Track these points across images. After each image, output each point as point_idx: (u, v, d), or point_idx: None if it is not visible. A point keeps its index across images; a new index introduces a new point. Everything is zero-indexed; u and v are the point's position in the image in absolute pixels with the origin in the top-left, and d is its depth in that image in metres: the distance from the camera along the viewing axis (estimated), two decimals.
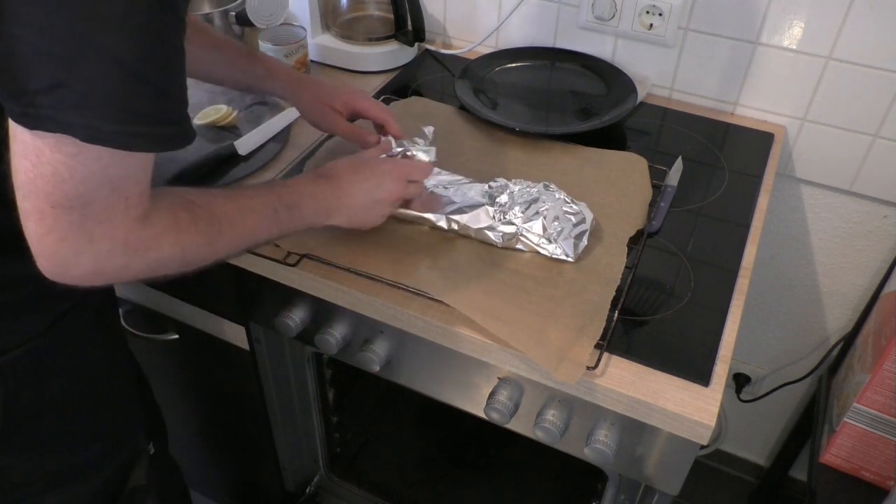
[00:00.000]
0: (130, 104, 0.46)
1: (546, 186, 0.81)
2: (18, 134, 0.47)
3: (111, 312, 0.75)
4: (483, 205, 0.79)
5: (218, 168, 0.92)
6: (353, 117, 0.87)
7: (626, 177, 0.91)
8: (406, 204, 0.79)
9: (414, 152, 0.82)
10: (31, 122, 0.45)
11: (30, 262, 0.58)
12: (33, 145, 0.46)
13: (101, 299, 0.70)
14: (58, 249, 0.50)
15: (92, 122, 0.45)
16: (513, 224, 0.78)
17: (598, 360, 0.68)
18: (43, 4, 0.41)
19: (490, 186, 0.82)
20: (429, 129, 0.84)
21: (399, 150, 0.82)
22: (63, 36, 0.42)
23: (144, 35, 0.44)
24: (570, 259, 0.76)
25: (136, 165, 0.50)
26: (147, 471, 0.77)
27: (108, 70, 0.44)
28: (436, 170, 0.83)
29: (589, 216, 0.79)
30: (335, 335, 0.83)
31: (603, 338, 0.69)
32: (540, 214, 0.78)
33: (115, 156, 0.48)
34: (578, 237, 0.77)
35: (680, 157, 0.95)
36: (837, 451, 1.01)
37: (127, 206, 0.51)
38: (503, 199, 0.80)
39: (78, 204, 0.48)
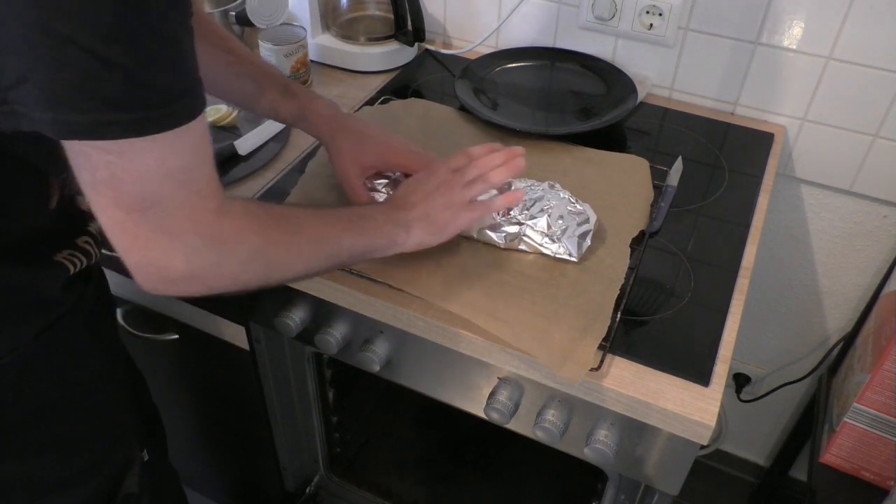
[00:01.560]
0: (99, 92, 0.43)
1: (551, 186, 0.81)
2: (66, 146, 0.46)
3: (105, 319, 0.74)
4: None
5: (218, 168, 0.92)
6: (385, 169, 0.83)
7: (627, 178, 0.90)
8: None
9: None
10: (8, 122, 0.44)
11: (14, 270, 0.58)
12: (79, 151, 0.45)
13: (92, 306, 0.68)
14: (146, 255, 0.50)
15: (61, 116, 0.43)
16: (516, 223, 0.78)
17: (602, 360, 0.68)
18: None
19: None
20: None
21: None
22: (21, 26, 0.40)
23: (107, 17, 0.41)
24: (573, 259, 0.76)
25: (193, 154, 0.49)
26: (140, 478, 0.76)
27: (70, 58, 0.41)
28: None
29: (593, 217, 0.79)
30: (335, 335, 0.83)
31: (606, 338, 0.69)
32: (545, 212, 0.78)
33: (163, 147, 0.46)
34: (582, 237, 0.77)
35: (680, 157, 0.95)
36: (837, 451, 1.01)
37: (200, 198, 0.50)
38: None
39: (149, 204, 0.47)
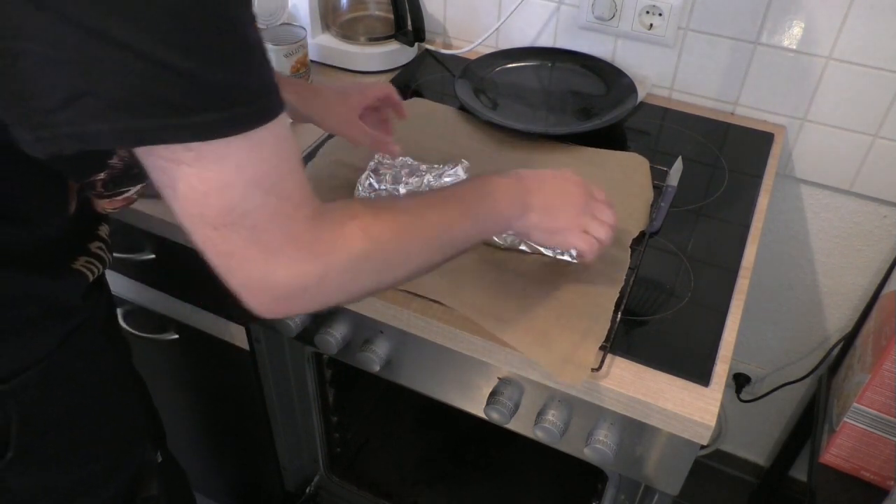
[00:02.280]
0: (164, 95, 0.40)
1: None
2: (145, 162, 0.43)
3: (114, 322, 0.74)
4: None
5: None
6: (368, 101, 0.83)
7: (627, 177, 0.90)
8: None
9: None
10: (45, 147, 0.41)
11: (39, 280, 0.57)
12: (155, 165, 0.43)
13: (105, 312, 0.69)
14: (247, 275, 0.47)
15: (127, 124, 0.40)
16: None
17: (602, 361, 0.68)
18: (53, 9, 0.37)
19: None
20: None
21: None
22: (77, 40, 0.38)
23: (166, 18, 0.39)
24: (573, 259, 0.76)
25: (275, 159, 0.45)
26: (158, 481, 0.77)
27: (132, 64, 0.39)
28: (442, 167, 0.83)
29: None
30: (335, 335, 0.83)
31: (606, 339, 0.69)
32: None
33: (239, 151, 0.43)
34: None
35: (680, 157, 0.95)
36: (837, 451, 1.01)
37: (292, 205, 0.47)
38: None
39: (237, 217, 0.44)
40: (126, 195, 0.66)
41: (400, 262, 0.54)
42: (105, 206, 0.66)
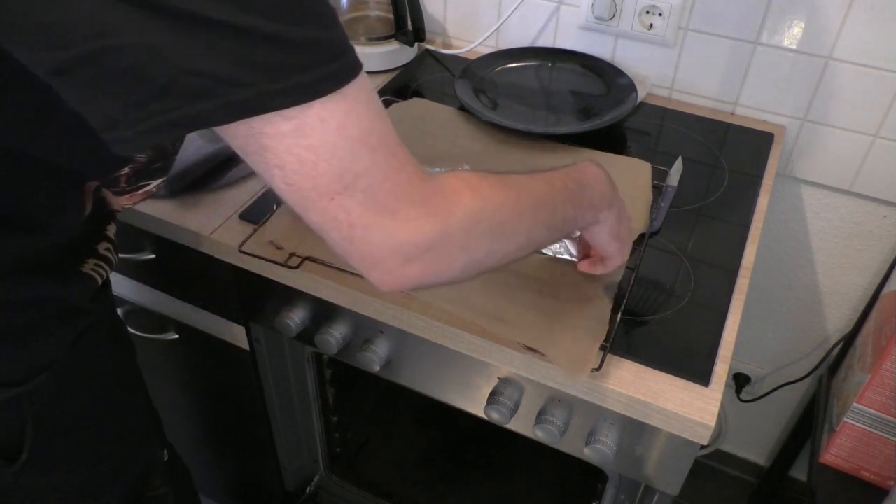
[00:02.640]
0: (258, 63, 0.39)
1: None
2: (248, 153, 0.42)
3: (119, 324, 0.75)
4: None
5: (218, 168, 0.92)
6: None
7: (628, 181, 0.90)
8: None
9: None
10: (146, 139, 0.40)
11: (51, 285, 0.57)
12: (259, 150, 0.42)
13: (110, 313, 0.69)
14: (372, 241, 0.45)
15: (223, 98, 0.39)
16: None
17: (602, 360, 0.68)
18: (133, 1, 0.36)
19: None
20: None
21: None
22: (166, 26, 0.37)
23: None
24: (573, 258, 0.76)
25: (373, 114, 0.44)
26: (164, 478, 0.77)
27: (223, 35, 0.38)
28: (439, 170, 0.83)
29: None
30: (335, 335, 0.83)
31: (606, 339, 0.69)
32: None
33: (336, 111, 0.42)
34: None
35: (680, 157, 0.95)
36: (837, 451, 1.01)
37: (399, 161, 0.45)
38: None
39: (350, 180, 0.43)
40: (146, 188, 0.66)
41: (513, 228, 0.53)
42: (124, 201, 0.66)
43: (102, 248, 0.65)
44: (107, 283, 0.67)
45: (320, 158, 0.42)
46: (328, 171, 0.42)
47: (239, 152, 0.44)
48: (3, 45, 0.40)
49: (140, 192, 0.65)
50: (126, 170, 0.61)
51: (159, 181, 0.66)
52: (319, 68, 0.41)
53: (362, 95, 0.43)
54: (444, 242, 0.47)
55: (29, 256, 0.55)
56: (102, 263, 0.64)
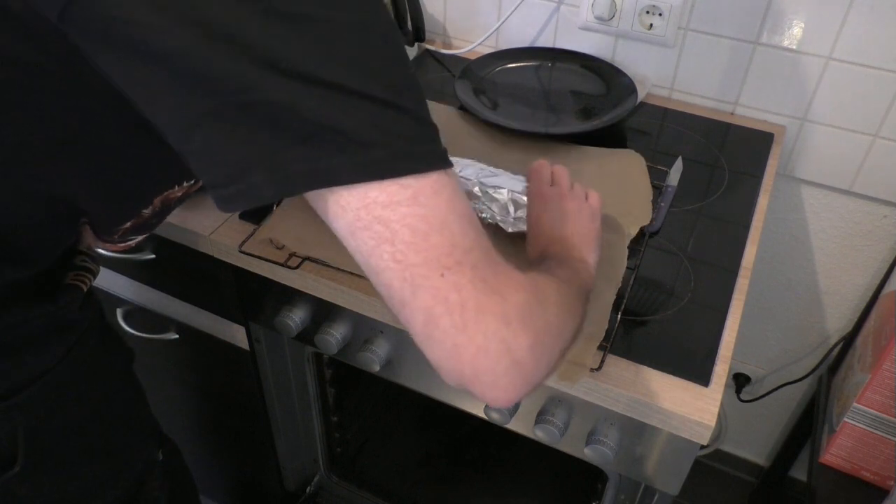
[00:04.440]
0: (390, 129, 0.41)
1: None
2: (347, 227, 0.42)
3: (110, 330, 0.75)
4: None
5: None
6: None
7: (626, 176, 0.91)
8: None
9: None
10: (278, 189, 0.41)
11: (41, 303, 0.59)
12: (371, 222, 0.41)
13: (101, 320, 0.70)
14: (488, 330, 0.42)
15: (356, 157, 0.40)
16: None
17: (602, 360, 0.68)
18: (281, 69, 0.39)
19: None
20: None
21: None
22: (309, 93, 0.40)
23: (379, 63, 0.42)
24: None
25: (463, 195, 0.45)
26: (160, 481, 0.77)
27: (358, 104, 0.40)
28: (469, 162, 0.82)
29: None
30: (335, 335, 0.83)
31: (606, 339, 0.69)
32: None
33: (446, 185, 0.43)
34: None
35: (680, 157, 0.95)
36: (837, 451, 1.01)
37: (489, 243, 0.45)
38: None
39: (461, 256, 0.42)
40: (128, 243, 0.67)
41: (570, 310, 0.51)
42: (105, 248, 0.67)
43: (78, 259, 0.66)
44: (92, 292, 0.67)
45: (432, 229, 0.42)
46: (440, 243, 0.42)
47: (345, 233, 0.43)
48: (147, 89, 0.42)
49: (122, 244, 0.67)
50: (128, 224, 0.62)
51: (143, 237, 0.68)
52: (434, 144, 0.43)
53: (458, 181, 0.45)
54: (543, 332, 0.46)
55: (20, 282, 0.57)
56: (83, 273, 0.65)
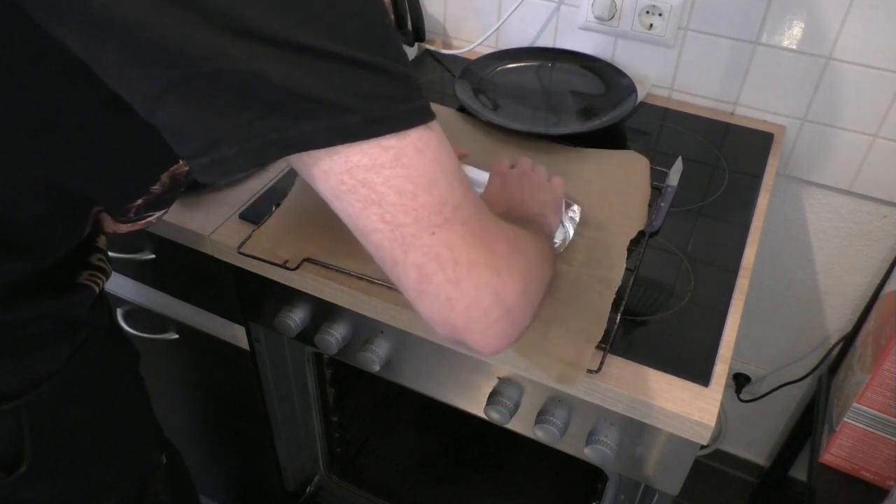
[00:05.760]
0: (364, 90, 0.40)
1: None
2: (331, 191, 0.42)
3: (117, 331, 0.75)
4: None
5: None
6: None
7: (626, 176, 0.90)
8: None
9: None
10: (248, 160, 0.40)
11: (50, 301, 0.58)
12: (356, 185, 0.41)
13: (108, 321, 0.69)
14: (480, 282, 0.43)
15: (329, 122, 0.39)
16: None
17: (602, 361, 0.68)
18: (244, 32, 0.37)
19: None
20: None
21: None
22: (277, 56, 0.38)
23: (354, 22, 0.40)
24: (556, 243, 0.76)
25: (452, 152, 0.44)
26: (163, 484, 0.77)
27: (329, 66, 0.39)
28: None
29: (577, 208, 0.79)
30: (335, 335, 0.83)
31: (606, 339, 0.69)
32: None
33: (431, 141, 0.42)
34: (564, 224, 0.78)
35: (680, 157, 0.95)
36: (837, 451, 1.01)
37: (476, 196, 0.45)
38: None
39: (450, 213, 0.42)
40: (148, 219, 0.66)
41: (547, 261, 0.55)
42: (123, 229, 0.66)
43: (95, 258, 0.65)
44: (102, 292, 0.67)
45: (419, 188, 0.41)
46: (428, 201, 0.42)
47: (330, 196, 0.43)
48: (107, 63, 0.40)
49: (142, 221, 0.66)
50: (139, 201, 0.61)
51: (161, 213, 0.67)
52: (414, 101, 0.42)
53: (443, 134, 0.44)
54: (533, 283, 0.47)
55: (29, 277, 0.56)
56: (97, 273, 0.64)
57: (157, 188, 0.62)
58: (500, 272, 0.44)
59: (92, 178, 0.55)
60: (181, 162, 0.61)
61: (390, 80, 0.41)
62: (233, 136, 0.40)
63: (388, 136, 0.41)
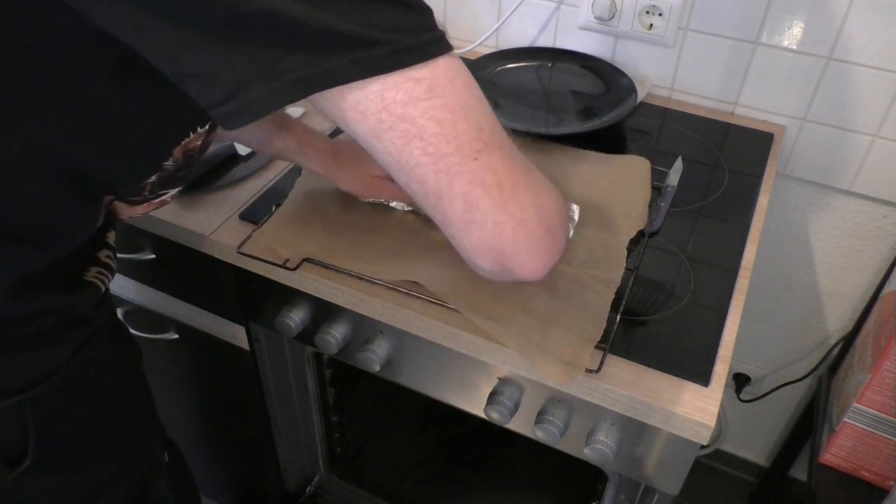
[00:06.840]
0: (389, 23, 0.41)
1: None
2: (370, 131, 0.42)
3: (121, 328, 0.75)
4: None
5: (218, 169, 0.92)
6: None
7: (626, 177, 0.90)
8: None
9: None
10: (279, 98, 0.40)
11: (57, 296, 0.57)
12: (393, 121, 0.42)
13: (113, 318, 0.69)
14: (524, 203, 0.45)
15: (355, 54, 0.40)
16: None
17: (602, 362, 0.68)
18: None
19: None
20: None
21: None
22: None
23: None
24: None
25: (472, 78, 0.46)
26: (166, 482, 0.77)
27: (356, 3, 0.40)
28: None
29: (576, 209, 0.79)
30: (335, 335, 0.83)
31: (605, 339, 0.69)
32: None
33: (460, 70, 0.43)
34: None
35: (680, 157, 0.95)
36: (837, 451, 1.01)
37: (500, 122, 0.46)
38: None
39: (488, 137, 0.44)
40: (163, 198, 0.66)
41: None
42: (139, 210, 0.65)
43: (103, 255, 0.65)
44: (107, 291, 0.67)
45: (457, 116, 0.42)
46: (467, 128, 0.43)
47: (370, 138, 0.43)
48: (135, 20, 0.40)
49: (157, 200, 0.65)
50: (153, 178, 0.61)
51: (176, 190, 0.66)
52: (436, 31, 0.42)
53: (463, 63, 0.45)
54: (557, 211, 0.49)
55: (37, 270, 0.55)
56: (104, 271, 0.64)
57: (170, 164, 0.61)
58: (539, 191, 0.46)
59: (104, 156, 0.55)
60: (192, 136, 0.61)
61: (412, 13, 0.42)
62: (260, 76, 0.40)
63: (417, 66, 0.41)
